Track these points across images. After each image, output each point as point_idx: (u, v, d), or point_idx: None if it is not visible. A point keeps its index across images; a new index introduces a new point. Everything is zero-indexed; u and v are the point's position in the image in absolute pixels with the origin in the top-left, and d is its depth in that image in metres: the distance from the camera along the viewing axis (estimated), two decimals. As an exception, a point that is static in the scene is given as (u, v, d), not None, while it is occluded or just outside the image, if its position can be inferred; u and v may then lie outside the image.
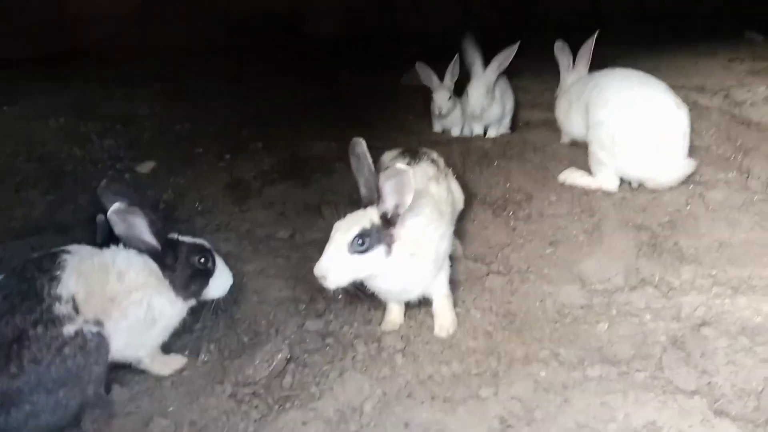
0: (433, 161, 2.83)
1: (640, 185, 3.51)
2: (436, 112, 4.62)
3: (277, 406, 2.17)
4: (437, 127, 4.85)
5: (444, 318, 2.52)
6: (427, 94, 4.67)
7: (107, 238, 2.26)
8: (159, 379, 2.34)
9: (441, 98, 4.54)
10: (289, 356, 2.38)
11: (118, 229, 2.15)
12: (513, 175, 3.77)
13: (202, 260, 2.34)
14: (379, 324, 2.58)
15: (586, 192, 3.52)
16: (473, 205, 3.42)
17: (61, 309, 2.00)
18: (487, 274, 2.86)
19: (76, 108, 4.88)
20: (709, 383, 2.13)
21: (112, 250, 2.23)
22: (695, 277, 2.72)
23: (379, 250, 2.22)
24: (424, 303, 2.57)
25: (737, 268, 2.75)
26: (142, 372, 2.35)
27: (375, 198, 2.23)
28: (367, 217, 2.22)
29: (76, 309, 2.03)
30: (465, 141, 4.45)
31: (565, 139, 4.16)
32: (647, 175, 3.45)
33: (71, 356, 1.99)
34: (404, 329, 2.55)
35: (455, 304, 2.61)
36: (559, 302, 2.65)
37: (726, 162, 3.77)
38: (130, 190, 2.29)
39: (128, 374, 2.34)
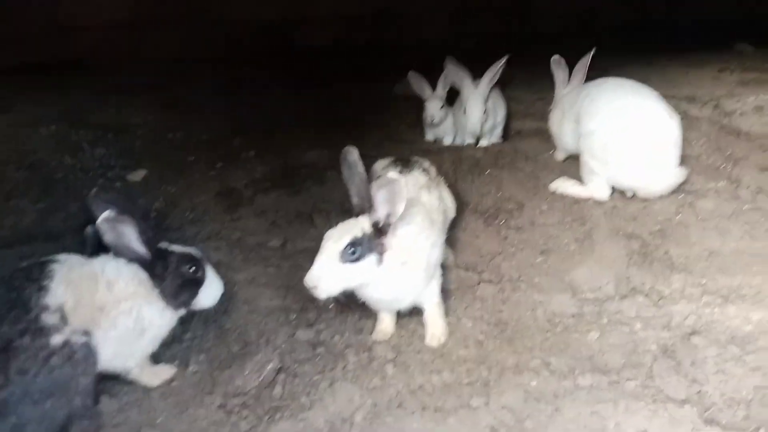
0: (424, 170, 2.84)
1: (632, 194, 3.53)
2: (428, 121, 4.65)
3: (267, 417, 2.15)
4: (429, 136, 4.87)
5: (435, 327, 2.52)
6: (419, 104, 4.69)
7: (97, 247, 2.24)
8: (148, 389, 2.31)
9: (433, 107, 4.57)
10: (279, 366, 2.37)
11: (108, 237, 2.14)
12: (504, 184, 3.78)
13: (192, 270, 2.33)
14: (370, 333, 2.57)
15: (577, 201, 3.54)
16: (465, 213, 3.42)
17: (49, 319, 1.97)
18: (479, 283, 2.86)
19: (67, 116, 4.88)
20: (699, 392, 2.14)
21: (101, 259, 2.21)
22: (685, 286, 2.74)
23: (371, 259, 2.21)
24: (416, 312, 2.56)
25: (727, 277, 2.76)
26: (131, 383, 2.32)
27: (367, 207, 2.23)
28: (358, 226, 2.21)
29: (64, 319, 2.00)
30: (457, 150, 4.46)
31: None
32: (639, 183, 3.47)
33: (58, 366, 1.96)
34: (395, 339, 2.54)
35: (446, 313, 2.61)
36: (550, 311, 2.65)
37: (716, 171, 3.80)
38: (120, 199, 2.26)
39: (117, 385, 2.31)
